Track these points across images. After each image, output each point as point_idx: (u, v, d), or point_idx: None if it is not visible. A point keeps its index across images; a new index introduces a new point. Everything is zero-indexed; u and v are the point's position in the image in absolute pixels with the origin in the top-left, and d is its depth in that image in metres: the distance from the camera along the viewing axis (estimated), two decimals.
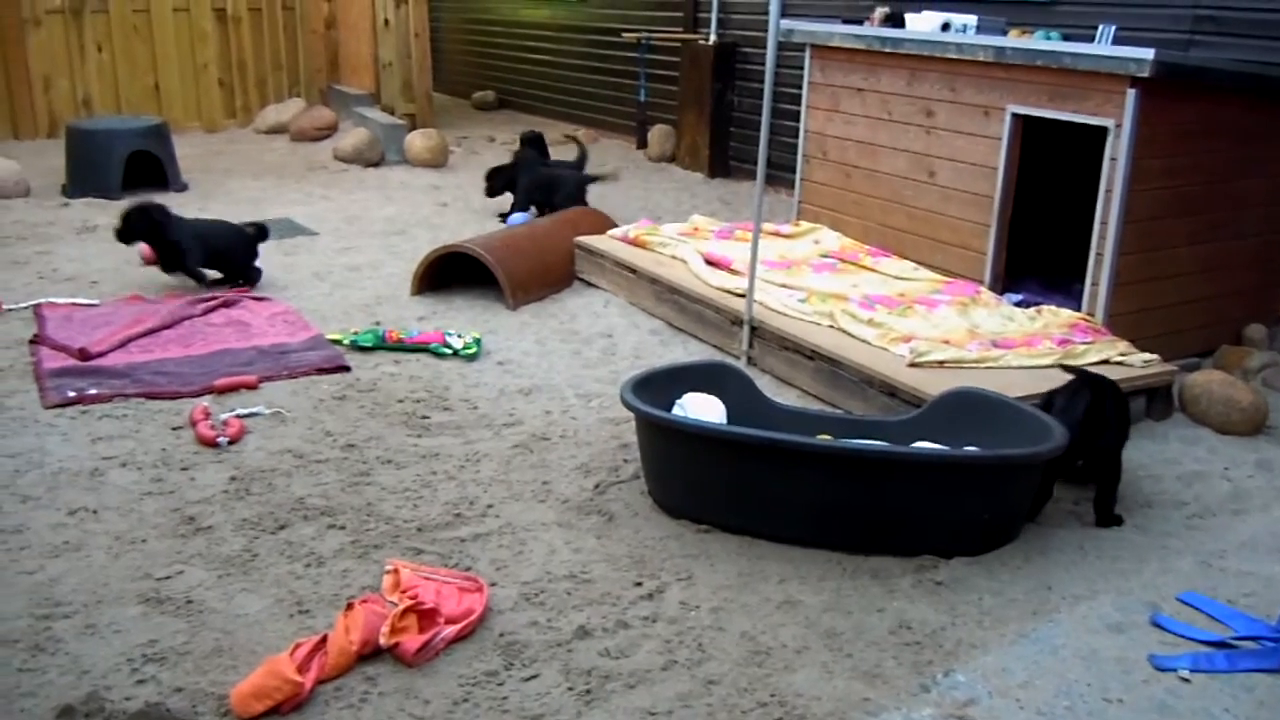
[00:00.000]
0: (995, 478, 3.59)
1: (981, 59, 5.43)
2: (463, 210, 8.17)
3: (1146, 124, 4.86)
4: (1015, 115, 5.35)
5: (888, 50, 5.98)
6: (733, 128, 9.60)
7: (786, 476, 3.58)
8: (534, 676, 2.92)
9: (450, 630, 3.03)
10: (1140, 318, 5.16)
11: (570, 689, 2.86)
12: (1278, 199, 5.65)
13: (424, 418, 4.52)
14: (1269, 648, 3.08)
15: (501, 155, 10.26)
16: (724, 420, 4.05)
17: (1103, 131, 4.94)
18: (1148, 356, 4.74)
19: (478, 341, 5.26)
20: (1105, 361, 4.65)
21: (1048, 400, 3.98)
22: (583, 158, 7.94)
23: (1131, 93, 4.80)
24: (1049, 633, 3.16)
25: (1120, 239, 4.98)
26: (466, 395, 4.77)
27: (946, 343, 4.76)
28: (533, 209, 7.62)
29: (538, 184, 7.62)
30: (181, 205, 7.99)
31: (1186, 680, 2.98)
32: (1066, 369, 4.19)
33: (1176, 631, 3.16)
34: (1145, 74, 4.71)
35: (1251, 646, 3.11)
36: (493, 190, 7.82)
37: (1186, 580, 3.45)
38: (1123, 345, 4.81)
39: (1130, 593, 3.38)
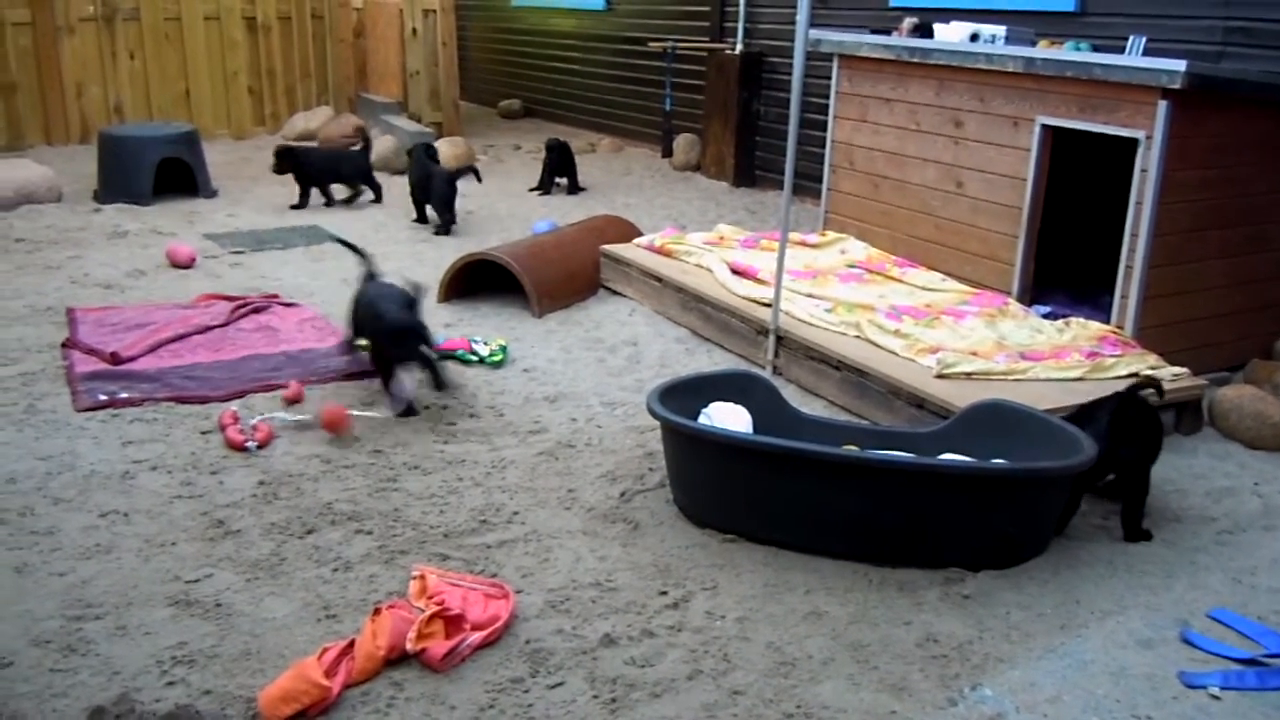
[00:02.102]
0: (1023, 491, 3.57)
1: (1011, 69, 5.41)
2: (488, 218, 8.20)
3: (1177, 136, 4.83)
4: (1045, 126, 5.33)
5: (916, 60, 5.97)
6: (758, 137, 9.60)
7: (812, 487, 3.57)
8: (559, 684, 2.92)
9: (476, 636, 3.04)
10: (1170, 331, 5.12)
11: (595, 697, 2.87)
12: None
13: (450, 424, 4.54)
14: None
15: (527, 163, 10.32)
16: (750, 430, 4.05)
17: (1133, 143, 4.92)
18: (1177, 370, 4.70)
19: (504, 349, 5.28)
20: (1134, 374, 4.61)
21: (1083, 413, 3.97)
22: (367, 146, 8.81)
23: (1163, 104, 4.78)
24: (1077, 648, 3.14)
25: (1150, 251, 4.95)
26: (492, 402, 4.79)
27: (974, 354, 4.74)
28: (554, 219, 7.63)
29: (417, 183, 7.89)
30: (210, 211, 8.09)
31: (1217, 698, 2.95)
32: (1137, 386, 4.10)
33: (1207, 649, 3.14)
34: (1177, 85, 4.69)
35: None
36: (280, 169, 8.31)
37: (1216, 597, 3.42)
38: (1152, 358, 4.77)
39: (1159, 609, 3.35)
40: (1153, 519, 3.89)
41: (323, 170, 8.51)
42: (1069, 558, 3.63)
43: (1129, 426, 3.80)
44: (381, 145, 10.00)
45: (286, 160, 8.31)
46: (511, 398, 4.86)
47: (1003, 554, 3.56)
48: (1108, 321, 5.16)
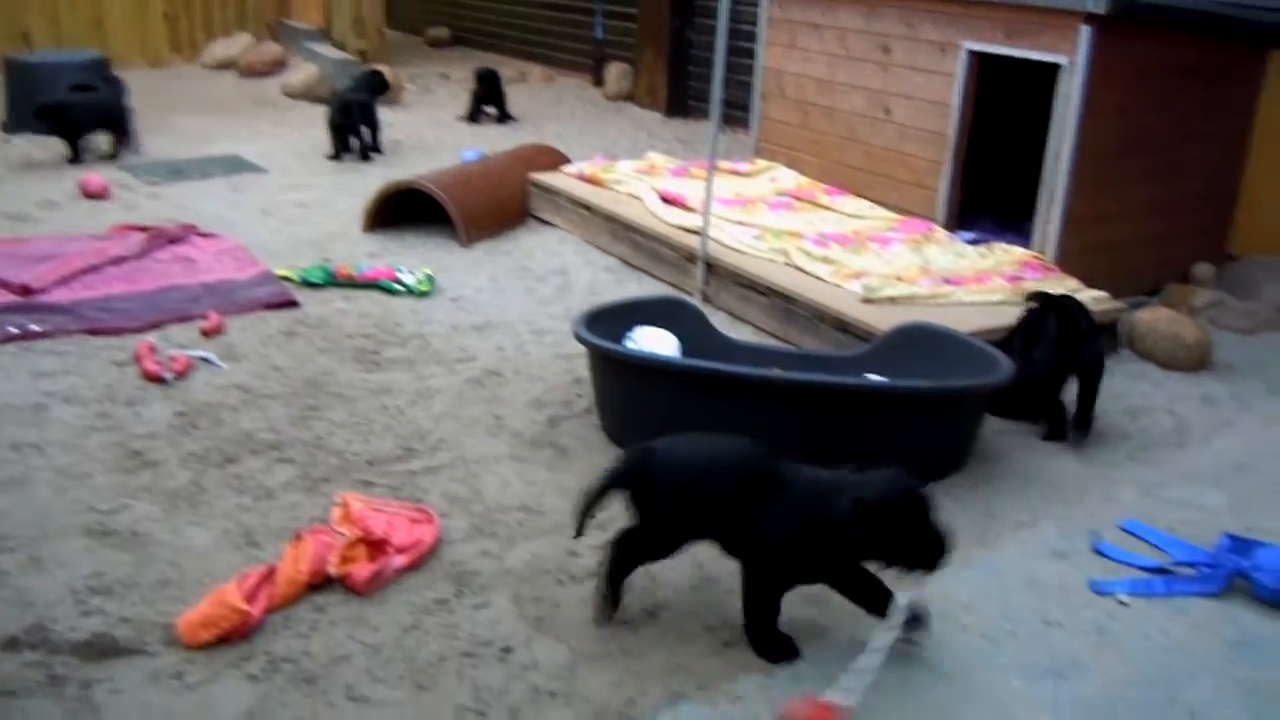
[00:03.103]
0: (942, 409, 3.62)
1: None
2: (416, 148, 8.04)
3: (1100, 61, 4.87)
4: (971, 52, 5.33)
5: None
6: (692, 66, 9.50)
7: (737, 408, 3.59)
8: (484, 604, 2.93)
9: (400, 560, 3.03)
10: (1091, 255, 5.20)
11: (521, 615, 2.88)
12: (1231, 139, 5.71)
13: (374, 353, 4.48)
14: (1205, 573, 3.16)
15: (456, 93, 10.12)
16: (677, 354, 4.05)
17: (1057, 68, 4.94)
18: (1097, 294, 4.78)
19: (430, 278, 5.21)
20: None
21: (1014, 335, 4.05)
22: None
23: (1085, 29, 4.80)
24: (993, 559, 3.22)
25: (1072, 177, 5.01)
26: (419, 331, 4.73)
27: (899, 279, 4.78)
28: (482, 148, 7.52)
29: (342, 109, 7.60)
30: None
31: (1125, 604, 3.05)
32: (1031, 297, 4.20)
33: (1117, 558, 3.24)
34: (1101, 10, 4.70)
35: (1189, 572, 3.19)
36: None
37: (1128, 509, 3.53)
38: (1072, 282, 4.84)
39: (1072, 521, 3.44)
40: (1069, 436, 3.99)
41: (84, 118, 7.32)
42: (986, 473, 3.71)
43: (1081, 331, 3.91)
44: (304, 74, 9.74)
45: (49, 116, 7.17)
46: (438, 327, 4.80)
47: (923, 471, 3.61)
48: (1031, 247, 5.22)
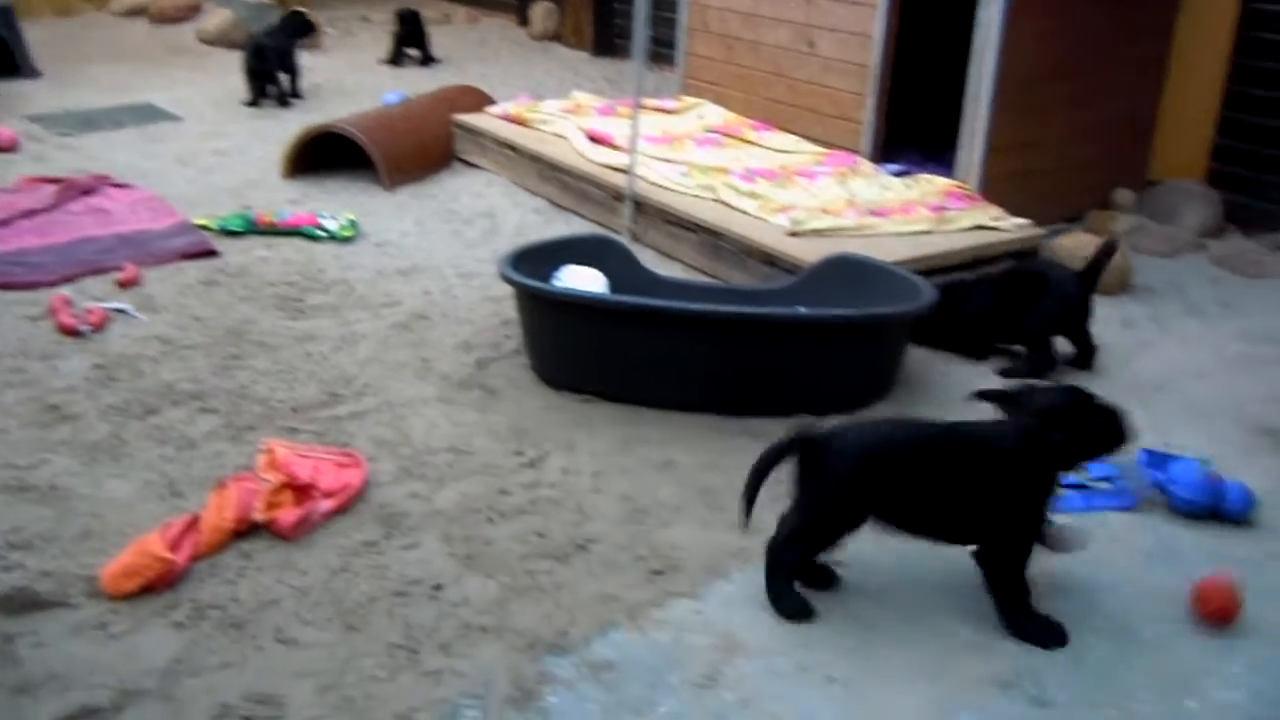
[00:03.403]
0: (865, 337, 3.66)
1: None
2: (336, 93, 7.86)
3: None
4: None
5: None
6: (618, 4, 9.36)
7: (664, 343, 3.60)
8: (414, 545, 2.92)
9: (327, 504, 3.00)
10: (1013, 183, 5.25)
11: (451, 554, 2.88)
12: (1148, 66, 5.77)
13: (298, 300, 4.41)
14: (1121, 487, 3.25)
15: (377, 36, 9.89)
16: (605, 292, 4.03)
17: None
18: (1019, 221, 4.85)
19: (353, 223, 5.12)
20: (978, 227, 4.75)
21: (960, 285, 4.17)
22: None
23: None
24: None
25: (993, 105, 5.05)
26: (342, 277, 4.66)
27: (825, 212, 4.80)
28: (404, 91, 7.37)
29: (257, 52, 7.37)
30: (34, 93, 7.55)
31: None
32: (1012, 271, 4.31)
33: None
34: None
35: (1106, 487, 3.28)
36: None
37: None
38: (995, 211, 4.90)
39: None
40: (990, 362, 4.06)
41: None
42: (910, 399, 3.76)
43: (1014, 295, 4.03)
44: (218, 18, 9.45)
45: None
46: (363, 272, 4.73)
47: (849, 399, 3.66)
48: (955, 177, 5.27)
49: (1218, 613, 2.72)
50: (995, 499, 2.61)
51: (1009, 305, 4.06)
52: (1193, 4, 5.70)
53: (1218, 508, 3.16)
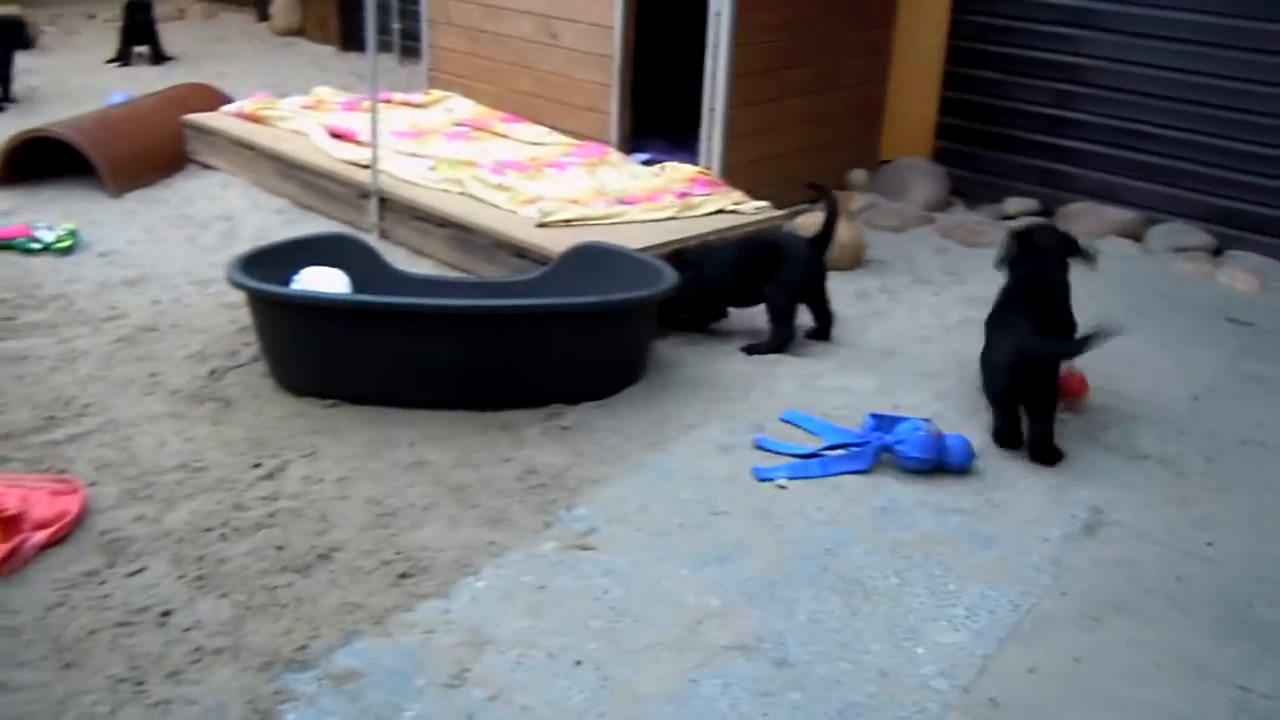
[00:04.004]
0: (612, 322, 3.70)
1: None
2: (58, 95, 7.30)
3: None
4: None
5: None
6: None
7: (410, 340, 3.53)
8: (140, 570, 2.74)
9: (40, 535, 2.78)
10: (753, 168, 5.44)
11: (181, 577, 2.72)
12: (873, 51, 6.10)
13: (9, 319, 4.06)
14: (855, 452, 3.42)
15: (106, 34, 9.25)
16: (348, 292, 3.91)
17: None
18: (760, 204, 5.02)
19: (73, 233, 4.77)
20: (721, 211, 4.89)
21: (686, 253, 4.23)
22: None
23: None
24: (664, 461, 3.35)
25: (729, 93, 5.21)
26: (61, 291, 4.33)
27: (574, 202, 4.82)
28: (131, 91, 6.93)
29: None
30: None
31: (784, 488, 3.26)
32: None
33: (775, 450, 3.44)
34: None
35: (841, 453, 3.44)
36: None
37: (788, 401, 3.75)
38: (737, 195, 5.06)
39: (738, 416, 3.63)
40: (733, 339, 4.20)
41: None
42: (661, 381, 3.83)
43: (750, 266, 4.12)
44: None
45: None
46: (84, 285, 4.41)
47: (600, 385, 3.70)
48: (698, 164, 5.40)
49: (1073, 392, 3.70)
50: None
51: (748, 275, 4.17)
52: None
53: (942, 462, 3.38)
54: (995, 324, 3.68)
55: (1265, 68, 5.22)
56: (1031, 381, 3.45)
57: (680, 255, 4.19)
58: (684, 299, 4.10)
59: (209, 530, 2.91)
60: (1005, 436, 3.55)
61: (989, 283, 4.92)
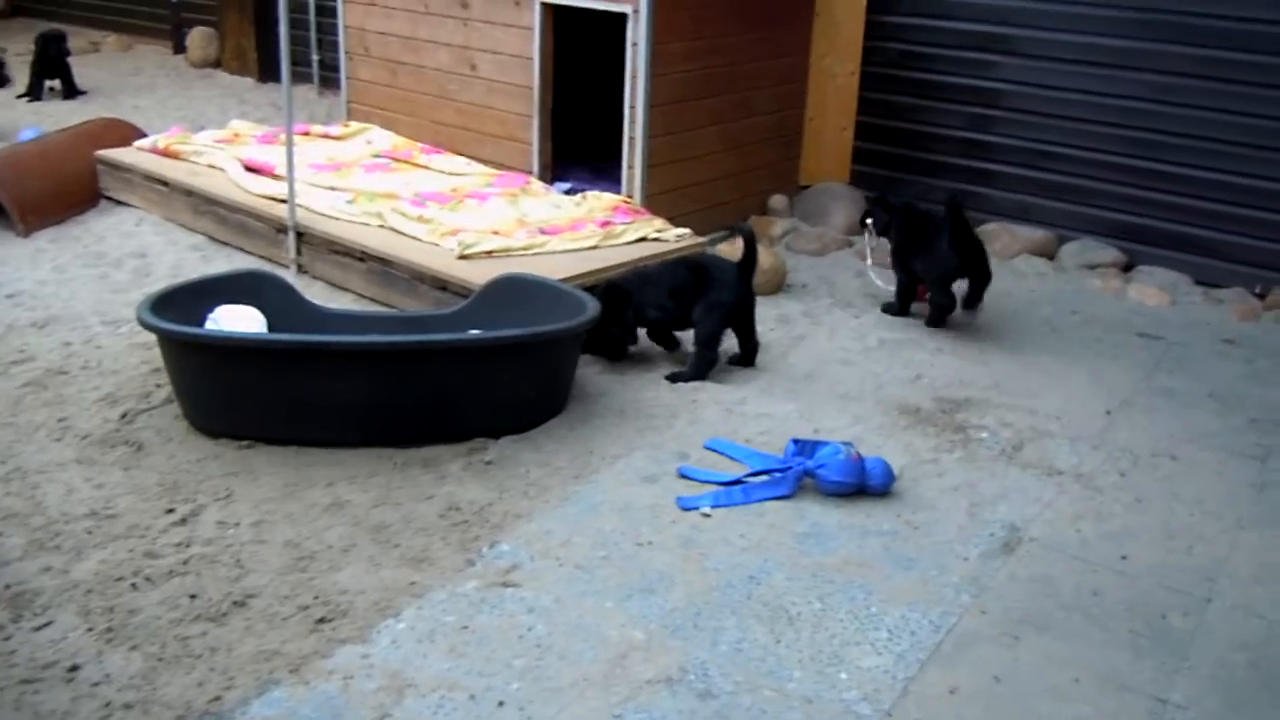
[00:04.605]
0: (534, 355, 3.69)
1: None
2: None
3: (662, 8, 5.10)
4: (543, 4, 5.42)
5: None
6: (280, 28, 9.01)
7: (327, 378, 3.48)
8: (47, 624, 2.66)
9: None
10: (674, 196, 5.48)
11: (89, 630, 2.64)
12: (788, 78, 6.18)
13: None
14: (777, 477, 3.44)
15: (17, 68, 9.05)
16: (265, 331, 3.85)
17: (624, 18, 5.13)
18: (680, 231, 5.05)
19: None
20: (643, 239, 4.91)
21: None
22: None
23: None
24: (588, 493, 3.33)
25: (649, 122, 5.24)
26: None
27: (495, 233, 4.81)
28: (43, 127, 6.79)
29: None
30: None
31: (708, 516, 3.26)
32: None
33: (698, 478, 3.44)
34: None
35: (763, 480, 3.46)
36: None
37: (712, 428, 3.76)
38: (659, 222, 5.08)
39: (663, 446, 3.63)
40: (656, 369, 4.21)
41: None
42: (585, 412, 3.82)
43: (687, 287, 4.16)
44: None
45: None
46: None
47: (522, 418, 3.68)
48: (620, 192, 5.42)
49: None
50: None
51: (682, 292, 4.18)
52: (826, 19, 6.16)
53: (863, 485, 3.41)
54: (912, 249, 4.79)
55: (1172, 89, 5.39)
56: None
57: (613, 288, 4.19)
58: (626, 330, 4.17)
59: (119, 580, 2.83)
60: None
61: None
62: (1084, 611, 2.93)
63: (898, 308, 4.93)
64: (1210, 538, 3.30)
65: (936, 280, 4.72)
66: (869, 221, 5.07)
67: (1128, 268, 5.63)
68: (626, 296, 4.17)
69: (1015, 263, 5.66)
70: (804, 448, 3.49)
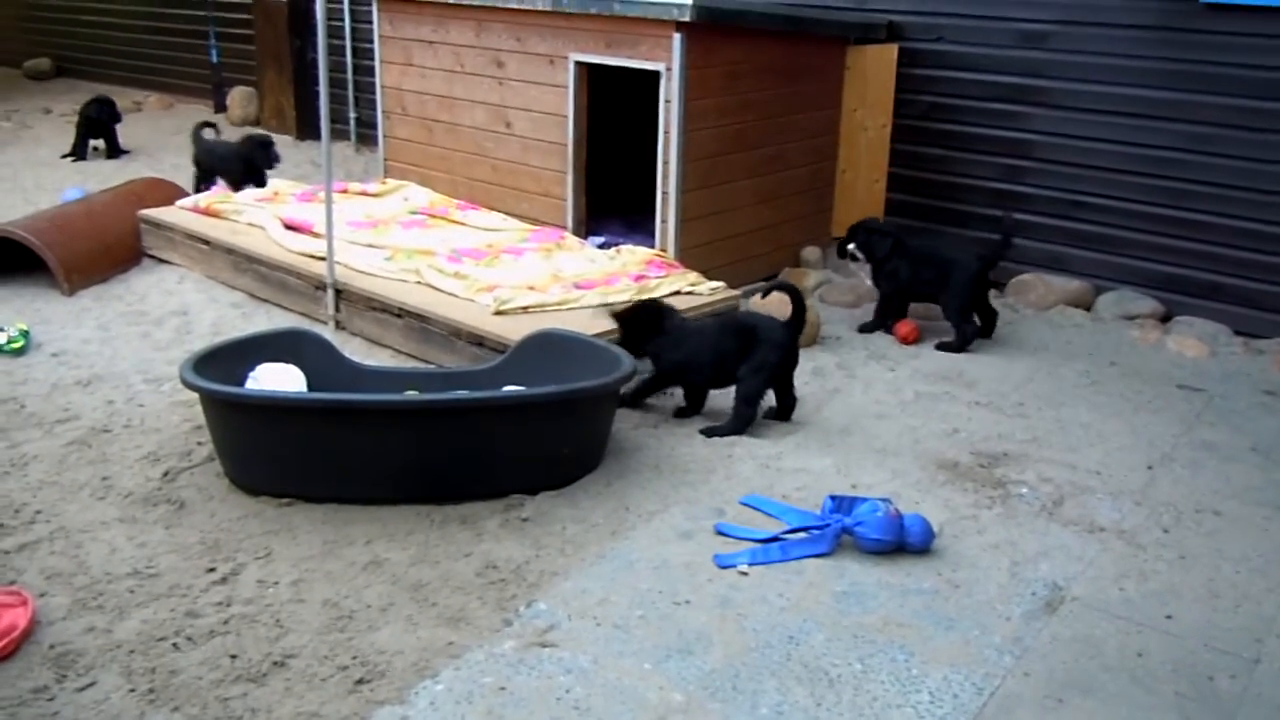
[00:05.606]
0: (570, 411, 3.70)
1: (541, 8, 5.53)
2: (11, 191, 7.29)
3: (694, 66, 5.17)
4: (578, 63, 5.50)
5: (453, 1, 5.94)
6: (318, 87, 9.20)
7: (366, 436, 3.51)
8: (90, 685, 2.68)
9: None
10: (708, 249, 5.52)
11: (132, 691, 2.66)
12: (820, 132, 6.22)
13: None
14: (816, 535, 3.42)
15: (62, 128, 9.29)
16: (304, 388, 3.90)
17: (657, 75, 5.20)
18: (715, 284, 5.08)
19: (25, 334, 4.73)
20: (677, 293, 4.93)
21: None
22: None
23: (677, 36, 5.08)
24: (625, 550, 3.33)
25: (682, 177, 5.29)
26: (11, 394, 4.28)
27: (531, 289, 4.85)
28: (87, 185, 6.94)
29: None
30: None
31: (745, 574, 3.25)
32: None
33: (736, 535, 3.43)
34: (688, 18, 5.00)
35: (802, 537, 3.44)
36: None
37: (747, 484, 3.76)
38: (693, 276, 5.11)
39: (698, 502, 3.63)
40: (694, 420, 4.21)
41: None
42: (620, 468, 3.83)
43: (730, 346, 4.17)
44: None
45: None
46: (36, 386, 4.36)
47: (559, 474, 3.69)
48: (654, 246, 5.47)
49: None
50: None
51: (726, 355, 4.19)
52: (856, 73, 6.21)
53: (902, 543, 3.38)
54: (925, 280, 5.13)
55: (1204, 139, 5.38)
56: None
57: (647, 314, 4.27)
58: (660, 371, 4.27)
59: (161, 640, 2.85)
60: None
61: (944, 357, 5.02)
62: (1129, 673, 2.88)
63: (875, 325, 5.33)
64: (1257, 596, 3.24)
65: (957, 310, 5.09)
66: (850, 247, 5.38)
67: (1166, 318, 5.59)
68: (661, 324, 4.23)
69: (1051, 314, 5.64)
70: (842, 504, 3.47)
